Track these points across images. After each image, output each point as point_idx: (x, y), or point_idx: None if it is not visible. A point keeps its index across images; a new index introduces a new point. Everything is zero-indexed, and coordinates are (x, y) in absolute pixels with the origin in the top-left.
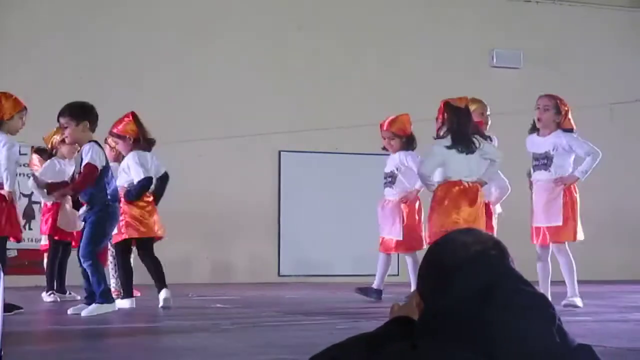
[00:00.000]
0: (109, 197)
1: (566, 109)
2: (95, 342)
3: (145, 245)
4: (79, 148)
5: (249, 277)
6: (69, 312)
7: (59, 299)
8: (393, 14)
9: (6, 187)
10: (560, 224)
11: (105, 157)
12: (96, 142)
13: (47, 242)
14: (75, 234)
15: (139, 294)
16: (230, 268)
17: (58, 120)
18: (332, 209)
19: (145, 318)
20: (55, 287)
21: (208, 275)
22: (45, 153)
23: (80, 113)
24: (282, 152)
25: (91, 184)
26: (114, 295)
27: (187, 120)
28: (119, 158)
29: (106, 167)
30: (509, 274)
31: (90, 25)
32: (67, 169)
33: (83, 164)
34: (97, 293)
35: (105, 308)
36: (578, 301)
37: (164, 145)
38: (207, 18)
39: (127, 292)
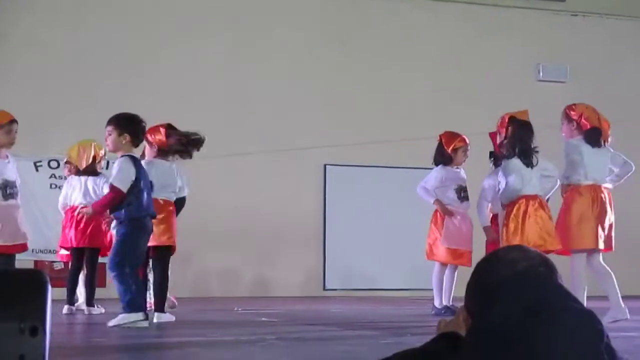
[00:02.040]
0: (140, 210)
1: (578, 113)
2: (139, 356)
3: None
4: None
5: (294, 291)
6: (108, 324)
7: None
8: (440, 29)
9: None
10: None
11: (140, 168)
12: (131, 156)
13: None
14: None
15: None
16: (276, 282)
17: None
18: (377, 222)
19: (190, 331)
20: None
21: (253, 289)
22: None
23: (126, 124)
24: (327, 166)
25: (115, 206)
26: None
27: (233, 135)
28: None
29: (137, 180)
30: (556, 290)
31: (131, 41)
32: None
33: (110, 181)
34: (124, 303)
35: (132, 317)
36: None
37: (209, 160)
38: (251, 34)
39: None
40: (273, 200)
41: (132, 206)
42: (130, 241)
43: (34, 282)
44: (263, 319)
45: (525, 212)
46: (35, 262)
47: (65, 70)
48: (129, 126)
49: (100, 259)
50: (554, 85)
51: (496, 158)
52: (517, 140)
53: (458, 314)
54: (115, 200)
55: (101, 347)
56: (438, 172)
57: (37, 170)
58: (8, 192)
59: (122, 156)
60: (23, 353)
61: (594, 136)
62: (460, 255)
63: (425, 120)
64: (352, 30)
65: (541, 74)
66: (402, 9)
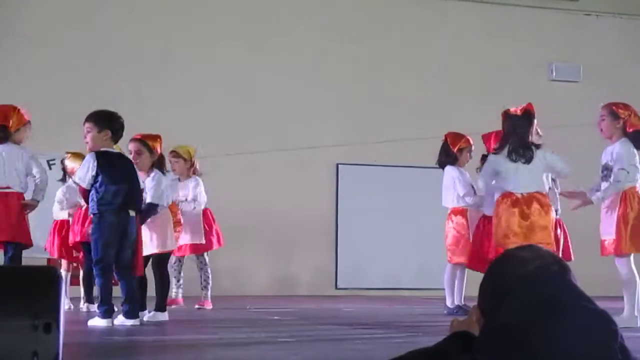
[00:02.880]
0: (99, 206)
1: (627, 113)
2: (152, 354)
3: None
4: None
5: (306, 290)
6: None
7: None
8: (452, 28)
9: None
10: (613, 237)
11: (100, 165)
12: (99, 152)
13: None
14: None
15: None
16: (288, 281)
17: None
18: (389, 222)
19: (202, 330)
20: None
21: (265, 288)
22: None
23: (105, 120)
24: (339, 165)
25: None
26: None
27: (245, 134)
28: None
29: (97, 175)
30: (569, 290)
31: (145, 40)
32: None
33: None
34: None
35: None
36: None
37: (221, 159)
38: (263, 32)
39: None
40: (286, 199)
41: (93, 202)
42: (95, 237)
43: (46, 279)
44: (275, 317)
45: (498, 210)
46: (48, 260)
47: (80, 70)
48: (109, 123)
49: None
50: (566, 85)
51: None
52: (508, 136)
53: (471, 313)
54: (81, 195)
55: (114, 345)
56: (459, 173)
57: (50, 168)
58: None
59: (90, 153)
60: (37, 349)
61: (639, 139)
62: None
63: (439, 119)
64: (365, 29)
65: (554, 73)
66: (416, 9)
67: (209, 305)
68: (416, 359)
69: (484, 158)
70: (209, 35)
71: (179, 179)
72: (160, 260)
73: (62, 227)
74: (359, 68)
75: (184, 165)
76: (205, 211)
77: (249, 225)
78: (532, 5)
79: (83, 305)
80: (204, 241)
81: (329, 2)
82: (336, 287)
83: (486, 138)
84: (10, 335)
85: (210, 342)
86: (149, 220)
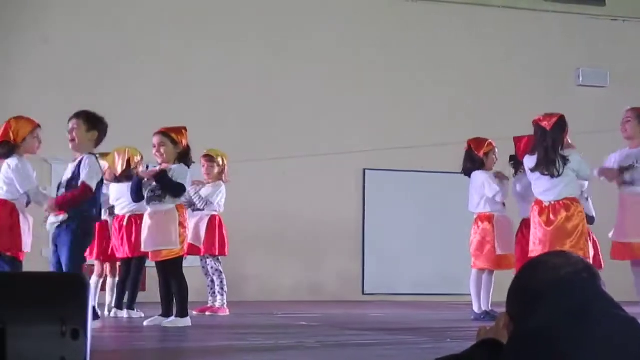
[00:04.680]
0: (94, 212)
1: None
2: None
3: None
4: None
5: (333, 296)
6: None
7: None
8: (478, 33)
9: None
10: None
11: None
12: (95, 155)
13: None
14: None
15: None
16: (315, 286)
17: (70, 120)
18: (416, 227)
19: (230, 336)
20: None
21: (292, 294)
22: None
23: (96, 121)
24: (366, 170)
25: (80, 204)
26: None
27: (270, 139)
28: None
29: (101, 182)
30: (599, 297)
31: (166, 41)
32: None
33: (81, 179)
34: None
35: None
36: None
37: (248, 164)
38: (287, 36)
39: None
40: (312, 204)
41: (86, 206)
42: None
43: (74, 285)
44: (302, 323)
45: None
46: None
47: (103, 71)
48: (99, 124)
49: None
50: (594, 90)
51: (516, 163)
52: (537, 147)
53: (498, 320)
54: (87, 197)
55: (142, 351)
56: (488, 175)
57: None
58: (28, 200)
59: (89, 154)
60: (64, 356)
61: None
62: None
63: (465, 125)
64: (391, 33)
65: (581, 78)
66: (443, 15)
67: (223, 312)
68: None
69: (512, 159)
70: (229, 36)
71: (198, 186)
72: (171, 265)
73: (101, 229)
74: (385, 73)
75: (217, 169)
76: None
77: (276, 231)
78: (558, 10)
79: (111, 312)
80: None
81: (357, 7)
82: (363, 293)
83: (517, 140)
84: (37, 341)
85: (238, 348)
86: (153, 217)
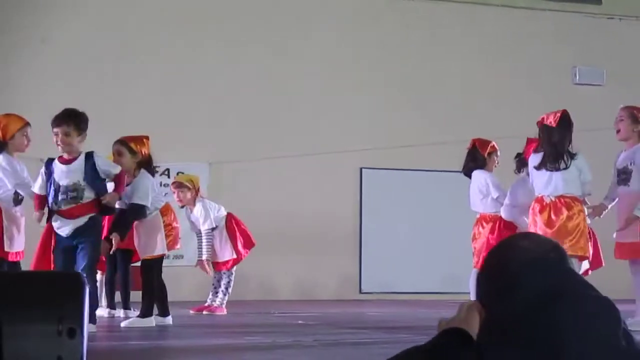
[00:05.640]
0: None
1: None
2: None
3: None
4: None
5: (330, 294)
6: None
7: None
8: (476, 32)
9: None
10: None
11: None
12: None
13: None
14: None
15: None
16: (312, 285)
17: (59, 126)
18: (413, 226)
19: (227, 334)
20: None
21: (290, 293)
22: None
23: (84, 124)
24: (363, 169)
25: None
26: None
27: (268, 138)
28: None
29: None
30: (570, 278)
31: (170, 41)
32: None
33: (115, 171)
34: None
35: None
36: None
37: (246, 164)
38: (286, 35)
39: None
40: (309, 203)
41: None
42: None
43: (71, 283)
44: (299, 322)
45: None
46: None
47: (103, 71)
48: (85, 124)
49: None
50: (590, 89)
51: (521, 161)
52: (543, 145)
53: (459, 310)
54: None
55: (138, 350)
56: (490, 176)
57: None
58: (20, 198)
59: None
60: (61, 355)
61: None
62: None
63: (463, 124)
64: (389, 31)
65: (577, 77)
66: (441, 13)
67: (221, 311)
68: (412, 358)
69: (517, 156)
70: (231, 36)
71: (189, 209)
72: (148, 266)
73: None
74: (382, 72)
75: (189, 194)
76: (228, 222)
77: (273, 230)
78: (555, 9)
79: (105, 311)
80: (225, 258)
81: (356, 7)
82: (360, 292)
83: (530, 141)
84: (34, 340)
85: (235, 347)
86: (138, 227)
